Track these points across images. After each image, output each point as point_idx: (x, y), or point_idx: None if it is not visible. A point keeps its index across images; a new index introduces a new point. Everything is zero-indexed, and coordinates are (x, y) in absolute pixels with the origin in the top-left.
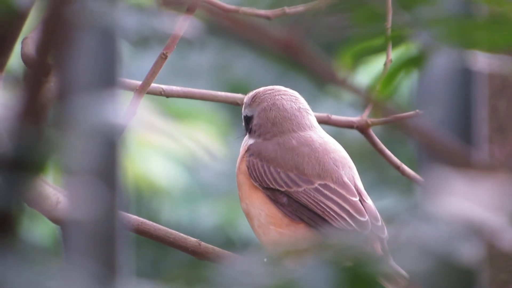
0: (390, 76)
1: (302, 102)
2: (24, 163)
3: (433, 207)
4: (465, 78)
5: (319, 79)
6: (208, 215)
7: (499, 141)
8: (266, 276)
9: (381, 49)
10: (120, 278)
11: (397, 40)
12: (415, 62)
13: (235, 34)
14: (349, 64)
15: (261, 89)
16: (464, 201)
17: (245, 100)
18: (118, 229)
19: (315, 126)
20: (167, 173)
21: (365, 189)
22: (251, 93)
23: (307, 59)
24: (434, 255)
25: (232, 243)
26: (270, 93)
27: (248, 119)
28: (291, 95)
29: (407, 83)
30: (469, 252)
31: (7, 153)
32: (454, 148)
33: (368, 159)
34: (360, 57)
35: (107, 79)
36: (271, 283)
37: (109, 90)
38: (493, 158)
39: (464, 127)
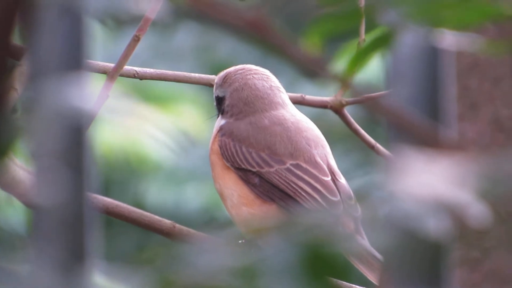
0: (358, 55)
1: (274, 80)
2: None
3: (398, 185)
4: (433, 56)
5: (289, 59)
6: (194, 197)
7: (471, 119)
8: (231, 256)
9: (351, 28)
10: (87, 264)
11: (367, 20)
12: (383, 41)
13: (205, 15)
14: (318, 43)
15: (232, 68)
16: (428, 179)
17: (216, 81)
18: (86, 213)
19: (287, 104)
20: (155, 151)
21: (350, 170)
22: (222, 73)
23: (275, 38)
24: (401, 232)
25: (216, 222)
26: (241, 72)
27: (220, 100)
28: (263, 74)
29: (380, 63)
30: (436, 228)
31: None
32: (423, 126)
33: (349, 140)
34: (329, 36)
35: (74, 61)
36: (235, 263)
37: (76, 73)
38: (464, 136)
39: (433, 106)
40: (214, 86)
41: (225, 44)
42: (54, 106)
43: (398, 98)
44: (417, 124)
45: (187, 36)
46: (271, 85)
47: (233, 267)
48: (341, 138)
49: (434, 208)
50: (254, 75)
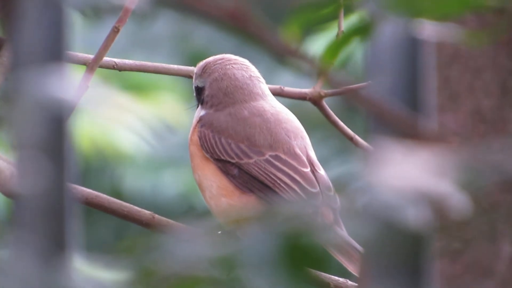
0: (336, 45)
1: (253, 70)
2: None
3: (377, 175)
4: (413, 47)
5: (268, 49)
6: (171, 184)
7: (452, 110)
8: (210, 246)
9: (330, 18)
10: (68, 253)
11: (346, 9)
12: (362, 31)
13: (185, 4)
14: (297, 33)
15: (211, 58)
16: (408, 169)
17: (195, 71)
18: (66, 203)
19: (266, 94)
20: (130, 141)
21: (328, 158)
22: (201, 63)
23: (255, 28)
24: (380, 222)
25: (195, 211)
26: (220, 62)
27: (199, 90)
28: (242, 64)
29: (360, 53)
30: (416, 218)
31: None
32: (403, 117)
33: (328, 129)
34: (309, 26)
35: (54, 51)
36: (214, 253)
37: (57, 64)
38: (445, 127)
39: (412, 96)
40: (194, 76)
41: (201, 33)
42: (35, 97)
43: (378, 89)
44: (397, 115)
45: (164, 24)
46: (251, 75)
47: (212, 257)
48: (319, 125)
49: (413, 199)
50: (234, 65)
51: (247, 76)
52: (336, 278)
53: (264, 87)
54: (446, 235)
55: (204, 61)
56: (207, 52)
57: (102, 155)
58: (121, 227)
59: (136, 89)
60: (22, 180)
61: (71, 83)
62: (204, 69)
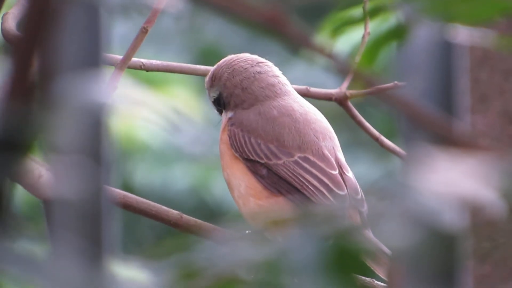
0: (372, 48)
1: (264, 65)
2: (13, 144)
3: (419, 180)
4: (447, 50)
5: (303, 51)
6: (181, 177)
7: (481, 111)
8: (254, 251)
9: (361, 20)
10: (107, 255)
11: (376, 12)
12: (397, 34)
13: (223, 10)
14: (329, 35)
15: (215, 66)
16: (452, 175)
17: (206, 86)
18: (104, 206)
19: (289, 90)
20: (148, 131)
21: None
22: (207, 77)
23: (291, 31)
24: (420, 227)
25: (206, 205)
26: (225, 64)
27: (218, 101)
28: (246, 58)
29: (387, 55)
30: (454, 223)
31: None
32: (437, 119)
33: (341, 121)
34: (340, 28)
35: (93, 56)
36: (260, 258)
37: (95, 68)
38: (475, 128)
39: (446, 98)
40: (207, 92)
41: (211, 27)
42: (76, 102)
43: (411, 91)
44: (430, 117)
45: (173, 19)
46: (260, 70)
47: (255, 261)
48: (329, 119)
49: (452, 203)
50: (239, 60)
51: (258, 70)
52: (363, 277)
53: (283, 80)
54: (478, 237)
55: (209, 72)
56: (218, 46)
57: (116, 148)
58: (161, 226)
59: (148, 82)
60: (62, 183)
61: (109, 87)
62: (212, 77)
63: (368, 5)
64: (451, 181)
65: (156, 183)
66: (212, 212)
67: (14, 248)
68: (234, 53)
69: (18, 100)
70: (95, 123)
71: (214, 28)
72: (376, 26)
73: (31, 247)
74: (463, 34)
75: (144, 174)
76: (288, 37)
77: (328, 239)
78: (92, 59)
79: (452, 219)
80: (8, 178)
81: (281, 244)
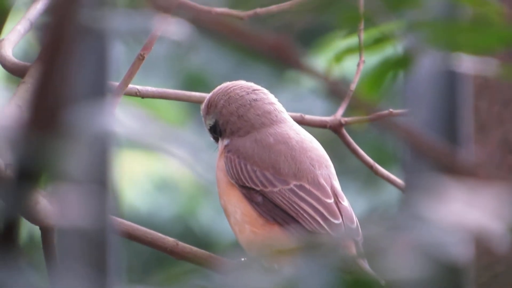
0: (377, 77)
1: (260, 93)
2: (28, 175)
3: (430, 211)
4: (450, 79)
5: (307, 78)
6: (168, 205)
7: (480, 141)
8: (261, 280)
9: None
10: (111, 282)
11: (380, 40)
12: (401, 63)
13: (222, 36)
14: (333, 63)
15: (210, 93)
16: (461, 206)
17: (202, 113)
18: (109, 233)
19: (285, 118)
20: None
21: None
22: (203, 104)
23: (297, 61)
24: (430, 259)
25: (192, 233)
26: (221, 91)
27: (214, 128)
28: (242, 86)
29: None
30: (461, 255)
31: (12, 167)
32: (440, 147)
33: (329, 149)
34: (342, 57)
35: (101, 85)
36: (267, 286)
37: (102, 97)
38: (475, 157)
39: (449, 127)
40: (203, 120)
41: (198, 53)
42: (86, 131)
43: (415, 119)
44: (434, 145)
45: (159, 44)
46: (256, 98)
47: None
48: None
49: (460, 236)
50: (234, 88)
51: (254, 98)
52: None
53: (279, 108)
54: (480, 267)
55: (205, 100)
56: (204, 73)
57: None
58: (148, 253)
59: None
60: (68, 211)
61: (116, 116)
62: (208, 105)
63: (373, 33)
64: (460, 212)
65: (143, 211)
66: (200, 240)
67: (24, 278)
68: (220, 80)
69: (37, 129)
70: (102, 152)
71: (201, 54)
72: (381, 54)
73: (36, 276)
74: (466, 63)
75: (130, 201)
76: (292, 65)
77: (336, 269)
78: (99, 88)
79: (460, 251)
80: (19, 211)
81: (289, 274)
